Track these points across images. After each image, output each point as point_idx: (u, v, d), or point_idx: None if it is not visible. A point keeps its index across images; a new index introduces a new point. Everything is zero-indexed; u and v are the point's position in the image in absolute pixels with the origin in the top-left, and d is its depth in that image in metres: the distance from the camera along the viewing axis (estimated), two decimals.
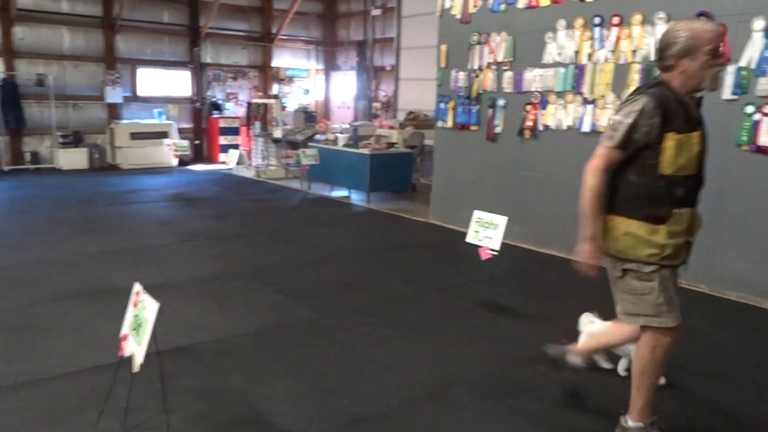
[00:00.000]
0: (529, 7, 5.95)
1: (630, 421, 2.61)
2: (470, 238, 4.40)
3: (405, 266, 5.40)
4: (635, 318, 2.53)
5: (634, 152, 2.38)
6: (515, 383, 3.24)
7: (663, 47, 2.41)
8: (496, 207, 4.87)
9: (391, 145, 9.07)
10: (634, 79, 5.14)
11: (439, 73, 7.00)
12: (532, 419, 2.88)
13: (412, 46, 11.93)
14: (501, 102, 6.31)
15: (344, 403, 2.99)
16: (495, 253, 4.24)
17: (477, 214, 4.44)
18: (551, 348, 3.06)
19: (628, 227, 2.42)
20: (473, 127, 6.63)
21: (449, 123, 6.91)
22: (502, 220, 4.27)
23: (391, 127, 10.58)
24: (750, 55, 4.47)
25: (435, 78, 7.13)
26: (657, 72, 2.51)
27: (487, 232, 4.31)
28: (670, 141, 2.34)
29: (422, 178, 9.80)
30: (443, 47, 6.92)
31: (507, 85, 6.22)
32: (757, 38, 4.42)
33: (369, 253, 5.82)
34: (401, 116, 12.04)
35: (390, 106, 12.80)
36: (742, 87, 4.52)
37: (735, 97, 4.56)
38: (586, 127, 5.55)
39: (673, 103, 2.35)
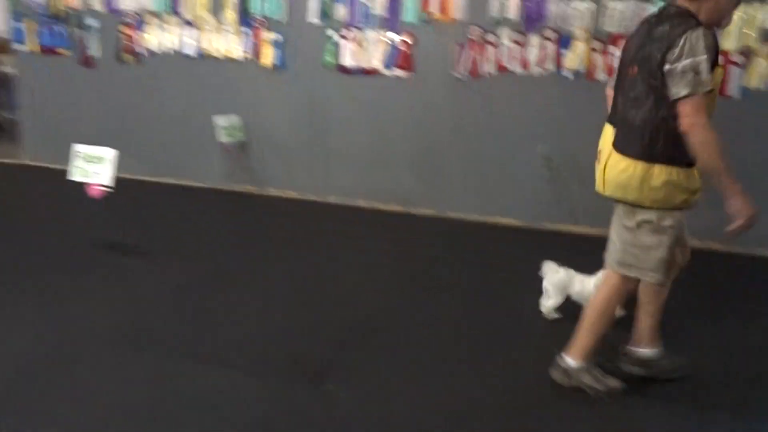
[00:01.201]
0: None
1: (572, 361, 2.56)
2: (74, 176, 3.95)
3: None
4: (630, 269, 2.44)
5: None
6: (150, 329, 3.11)
7: None
8: (105, 139, 4.45)
9: None
10: (231, 2, 5.19)
11: None
12: (165, 365, 2.80)
13: None
14: (92, 22, 5.65)
15: None
16: (108, 189, 3.92)
17: (78, 148, 4.00)
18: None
19: (669, 175, 2.26)
20: (63, 51, 5.82)
21: (32, 46, 5.91)
22: (109, 153, 3.94)
23: None
24: None
25: None
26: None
27: (94, 167, 3.93)
28: (718, 76, 2.21)
29: (5, 112, 8.27)
30: None
31: (96, 4, 5.59)
32: None
33: None
34: None
35: None
36: (325, 12, 5.00)
37: (320, 22, 5.03)
38: (190, 51, 5.42)
39: None
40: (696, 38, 2.12)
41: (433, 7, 4.73)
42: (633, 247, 2.41)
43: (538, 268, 3.23)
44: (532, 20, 4.54)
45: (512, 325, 3.27)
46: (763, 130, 4.24)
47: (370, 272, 3.89)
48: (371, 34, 4.95)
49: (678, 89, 2.15)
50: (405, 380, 2.73)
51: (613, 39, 4.40)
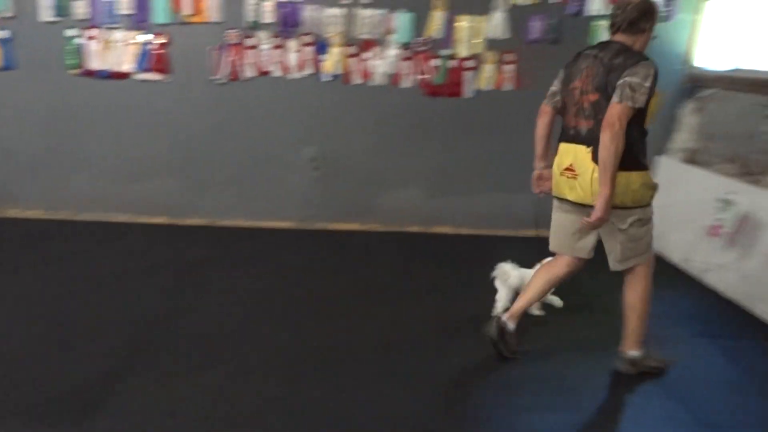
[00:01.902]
0: None
1: (635, 352, 2.94)
2: None
3: None
4: (632, 261, 2.81)
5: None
6: None
7: (641, 15, 2.67)
8: None
9: None
10: None
11: None
12: None
13: None
14: None
15: None
16: None
17: None
18: (489, 329, 3.02)
19: (642, 179, 2.69)
20: None
21: None
22: None
23: None
24: None
25: None
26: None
27: None
28: (655, 98, 2.68)
29: None
30: None
31: None
32: None
33: None
34: None
35: None
36: (60, 9, 4.49)
37: (56, 19, 4.51)
38: None
39: None
40: (648, 67, 2.58)
41: (186, 8, 4.54)
42: (629, 243, 2.79)
43: (313, 265, 3.27)
44: (288, 25, 4.62)
45: (289, 326, 3.30)
46: (492, 125, 4.88)
47: (132, 290, 3.61)
48: (119, 35, 4.58)
49: (615, 97, 2.58)
50: (186, 396, 2.59)
51: (365, 45, 4.68)
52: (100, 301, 3.44)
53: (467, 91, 4.78)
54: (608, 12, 4.49)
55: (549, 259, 3.18)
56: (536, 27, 4.67)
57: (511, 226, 4.98)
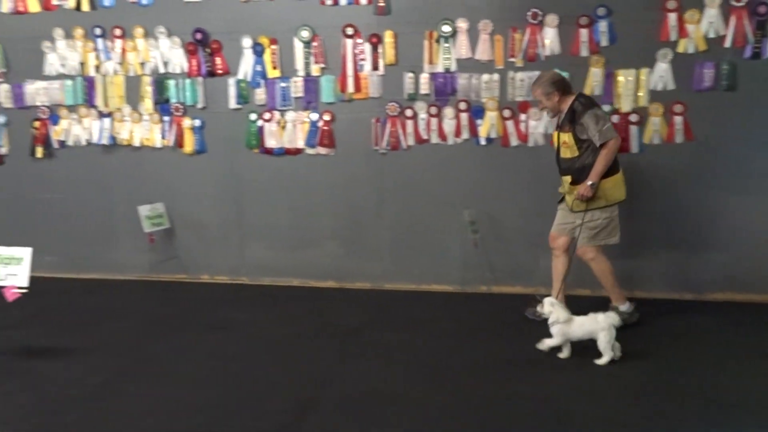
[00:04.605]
0: (16, 12, 5.29)
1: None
2: None
3: None
4: None
5: None
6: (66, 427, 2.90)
7: None
8: (17, 238, 4.23)
9: None
10: (147, 91, 5.18)
11: None
12: None
13: None
14: (0, 119, 5.47)
15: None
16: (23, 290, 3.68)
17: None
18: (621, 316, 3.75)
19: None
20: None
21: None
22: (26, 253, 3.73)
23: None
24: (244, 70, 5.05)
25: None
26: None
27: (9, 269, 3.70)
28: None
29: None
30: None
31: (5, 100, 5.43)
32: (248, 54, 5.02)
33: None
34: None
35: None
36: (243, 97, 5.07)
37: (239, 106, 5.09)
38: (106, 142, 5.32)
39: None
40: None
41: (349, 87, 4.90)
42: None
43: (476, 329, 3.20)
44: (443, 94, 4.79)
45: (452, 389, 3.25)
46: (664, 179, 4.59)
47: (302, 352, 3.78)
48: (291, 115, 5.05)
49: None
50: None
51: (521, 107, 4.69)
52: (273, 361, 3.65)
53: (634, 146, 4.57)
54: None
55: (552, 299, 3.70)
56: (707, 75, 4.40)
57: (698, 288, 4.56)
